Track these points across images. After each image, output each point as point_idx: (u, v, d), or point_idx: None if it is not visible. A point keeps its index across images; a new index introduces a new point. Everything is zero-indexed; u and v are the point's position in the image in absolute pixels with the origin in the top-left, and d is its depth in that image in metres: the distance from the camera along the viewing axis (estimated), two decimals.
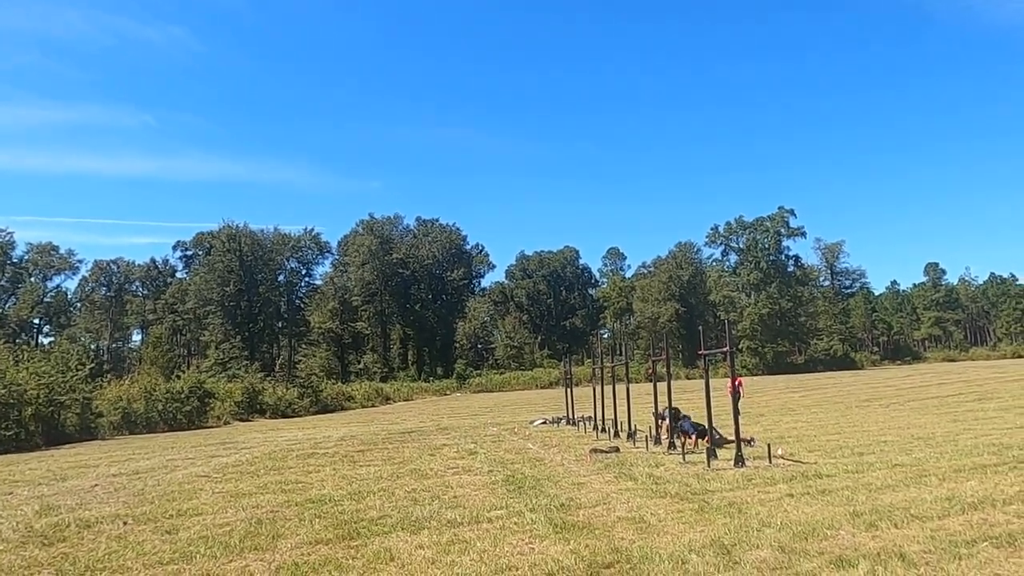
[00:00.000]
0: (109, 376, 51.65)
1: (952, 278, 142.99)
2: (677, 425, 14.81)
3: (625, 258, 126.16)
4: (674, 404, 15.15)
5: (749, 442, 13.46)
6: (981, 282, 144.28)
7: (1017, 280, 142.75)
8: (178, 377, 43.67)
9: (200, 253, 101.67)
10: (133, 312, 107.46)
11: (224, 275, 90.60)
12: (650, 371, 18.61)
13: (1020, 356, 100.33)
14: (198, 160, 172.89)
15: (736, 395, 13.94)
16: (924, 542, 6.13)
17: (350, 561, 6.38)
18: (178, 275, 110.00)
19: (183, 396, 38.72)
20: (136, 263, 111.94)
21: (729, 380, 13.66)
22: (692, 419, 15.17)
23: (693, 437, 14.42)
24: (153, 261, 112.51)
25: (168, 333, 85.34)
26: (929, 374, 56.42)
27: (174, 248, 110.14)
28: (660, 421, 15.69)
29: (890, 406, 26.70)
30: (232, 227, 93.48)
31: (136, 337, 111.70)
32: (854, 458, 11.89)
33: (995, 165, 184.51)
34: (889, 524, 6.81)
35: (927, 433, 16.07)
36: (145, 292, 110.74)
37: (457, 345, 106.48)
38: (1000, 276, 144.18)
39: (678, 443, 14.00)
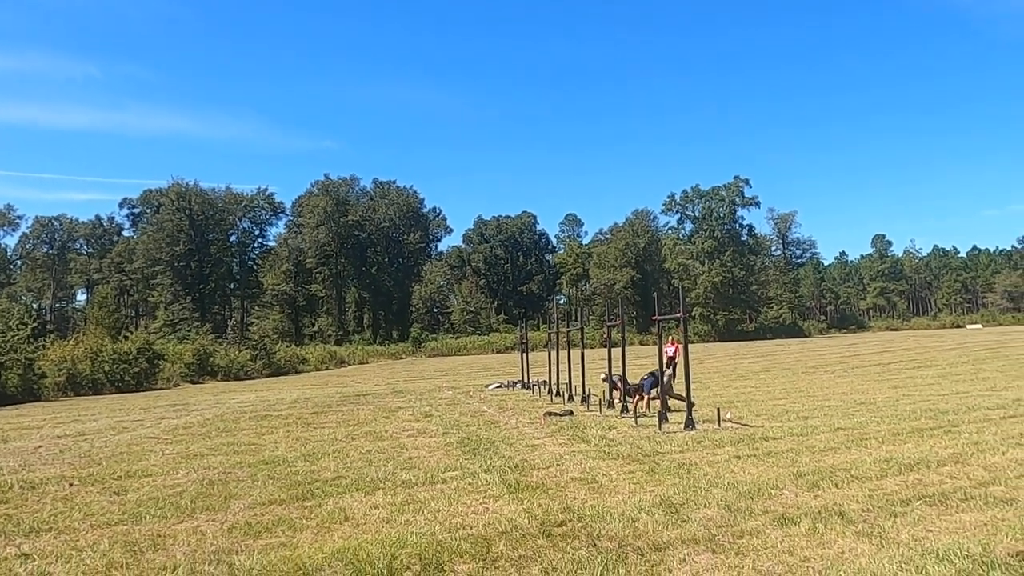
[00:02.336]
0: (52, 336, 50.19)
1: (898, 250, 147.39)
2: (637, 385, 14.96)
3: (582, 224, 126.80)
4: (628, 368, 15.38)
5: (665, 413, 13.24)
6: (925, 254, 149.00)
7: (959, 253, 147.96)
8: (126, 338, 42.70)
9: (148, 211, 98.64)
10: (77, 271, 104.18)
11: (173, 234, 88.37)
12: (605, 337, 18.83)
13: (958, 326, 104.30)
14: (145, 114, 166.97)
15: (673, 361, 14.26)
16: (863, 501, 6.38)
17: (304, 521, 6.37)
18: (125, 234, 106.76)
19: (131, 357, 37.93)
20: (80, 220, 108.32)
21: (671, 343, 13.93)
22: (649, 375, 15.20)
23: (651, 394, 14.57)
24: (98, 219, 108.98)
25: (115, 293, 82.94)
26: (873, 342, 58.33)
27: (120, 205, 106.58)
28: (612, 389, 15.90)
29: (835, 373, 27.56)
30: (182, 185, 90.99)
31: (81, 297, 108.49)
32: (799, 422, 12.27)
33: (943, 139, 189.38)
34: (830, 484, 7.07)
35: (869, 398, 16.65)
36: (90, 250, 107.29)
37: (413, 309, 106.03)
38: (943, 249, 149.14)
39: (631, 405, 14.24)
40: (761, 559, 4.91)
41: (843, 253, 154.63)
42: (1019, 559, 4.63)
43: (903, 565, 4.62)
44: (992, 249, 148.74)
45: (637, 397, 14.84)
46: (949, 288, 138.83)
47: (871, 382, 22.15)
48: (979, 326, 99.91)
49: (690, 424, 11.54)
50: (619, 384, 15.49)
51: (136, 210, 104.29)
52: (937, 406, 14.13)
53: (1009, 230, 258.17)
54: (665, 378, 14.41)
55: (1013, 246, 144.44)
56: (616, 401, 15.32)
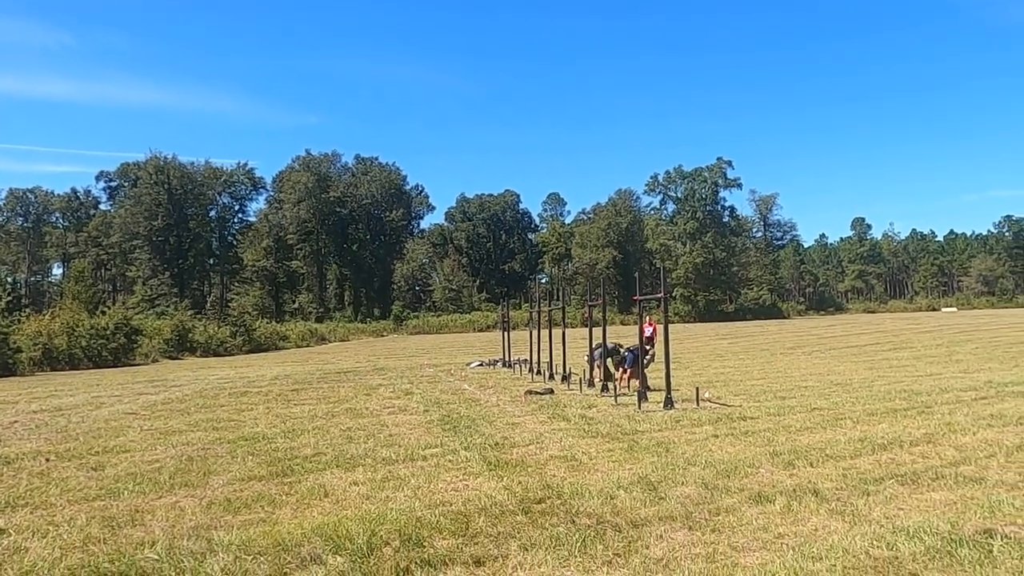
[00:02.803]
0: (28, 310, 49.48)
1: (877, 233, 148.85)
2: (618, 357, 15.11)
3: (565, 204, 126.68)
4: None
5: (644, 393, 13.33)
6: (903, 237, 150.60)
7: (936, 237, 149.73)
8: (103, 313, 42.21)
9: (126, 185, 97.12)
10: (53, 244, 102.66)
11: (152, 208, 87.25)
12: (586, 316, 18.89)
13: (934, 309, 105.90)
14: (122, 85, 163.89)
15: (650, 342, 14.40)
16: (836, 480, 6.48)
17: (284, 497, 6.37)
18: (102, 207, 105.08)
19: (108, 332, 37.51)
20: (55, 193, 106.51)
21: (648, 323, 14.04)
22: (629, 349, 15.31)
23: (629, 371, 14.69)
24: (74, 192, 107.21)
25: (92, 267, 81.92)
26: (850, 324, 59.08)
27: (97, 178, 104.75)
28: (593, 363, 15.99)
29: (812, 354, 27.90)
30: (160, 158, 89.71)
31: (57, 271, 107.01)
32: (776, 402, 12.43)
33: (924, 123, 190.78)
34: (805, 463, 7.18)
35: (845, 379, 16.90)
36: (66, 224, 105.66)
37: (395, 287, 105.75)
38: (921, 232, 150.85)
39: (611, 385, 14.34)
40: (736, 536, 4.99)
41: (823, 235, 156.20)
42: (986, 536, 4.74)
43: (874, 542, 4.72)
44: (969, 233, 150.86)
45: (621, 370, 14.97)
46: (926, 271, 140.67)
47: (848, 363, 22.46)
48: (954, 309, 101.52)
49: (669, 403, 11.65)
50: (600, 359, 15.60)
51: (113, 183, 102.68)
52: (911, 387, 14.36)
53: (987, 215, 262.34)
54: (645, 359, 14.54)
55: (989, 231, 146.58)
56: (596, 380, 15.41)
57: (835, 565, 4.31)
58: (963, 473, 6.62)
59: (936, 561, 4.36)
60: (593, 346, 16.06)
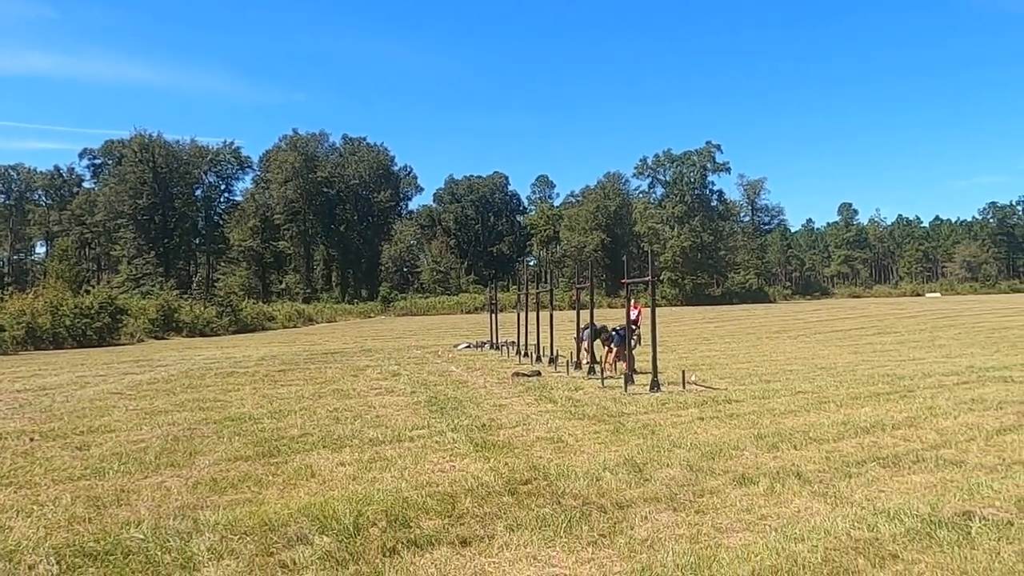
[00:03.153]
0: (11, 288, 48.96)
1: (864, 218, 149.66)
2: (605, 335, 15.16)
3: (554, 186, 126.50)
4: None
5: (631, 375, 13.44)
6: (889, 223, 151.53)
7: (922, 223, 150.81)
8: (87, 292, 41.80)
9: (110, 163, 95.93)
10: (36, 222, 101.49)
11: (136, 187, 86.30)
12: (574, 299, 18.94)
13: (918, 294, 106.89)
14: (106, 61, 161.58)
15: (635, 324, 14.48)
16: (819, 462, 6.56)
17: (270, 477, 6.37)
18: (86, 185, 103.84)
19: (93, 312, 37.16)
20: (38, 170, 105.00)
21: (634, 306, 14.10)
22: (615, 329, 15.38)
23: (615, 350, 14.76)
24: (57, 169, 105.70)
25: (75, 246, 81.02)
26: (835, 309, 59.52)
27: (81, 156, 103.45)
28: (580, 343, 16.04)
29: (798, 338, 28.11)
30: (144, 136, 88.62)
31: (40, 249, 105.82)
32: (761, 385, 12.53)
33: (914, 109, 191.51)
34: (789, 446, 7.26)
35: (829, 363, 17.04)
36: (49, 202, 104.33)
37: (382, 268, 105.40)
38: (907, 218, 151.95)
39: (598, 368, 14.39)
40: (720, 517, 5.04)
41: (810, 220, 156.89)
42: (965, 518, 4.82)
43: (856, 524, 4.78)
44: (954, 220, 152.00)
45: (606, 349, 15.05)
46: (911, 257, 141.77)
47: (832, 348, 22.65)
48: (938, 295, 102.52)
49: (655, 386, 11.71)
50: (584, 337, 15.64)
51: (97, 161, 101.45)
52: (894, 372, 14.51)
53: (972, 201, 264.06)
54: (632, 340, 14.60)
55: (974, 217, 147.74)
56: (584, 363, 15.47)
57: (816, 546, 4.36)
58: (943, 456, 6.72)
59: (916, 542, 4.43)
60: (581, 327, 16.11)
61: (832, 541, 4.47)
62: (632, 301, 14.58)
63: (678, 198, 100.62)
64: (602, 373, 13.81)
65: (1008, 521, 4.79)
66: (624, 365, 13.61)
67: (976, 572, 3.94)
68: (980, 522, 4.75)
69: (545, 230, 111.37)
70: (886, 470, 6.26)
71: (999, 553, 4.22)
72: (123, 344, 36.24)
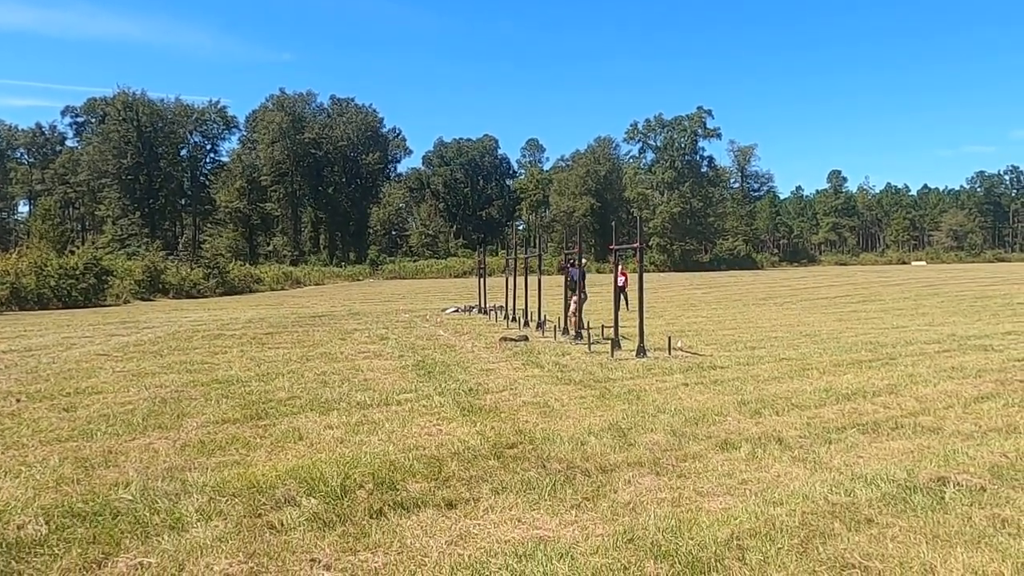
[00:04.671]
0: None
1: (853, 186, 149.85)
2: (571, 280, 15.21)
3: (544, 150, 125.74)
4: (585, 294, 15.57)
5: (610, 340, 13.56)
6: (878, 191, 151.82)
7: (910, 191, 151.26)
8: (72, 252, 41.41)
9: (93, 121, 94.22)
10: (18, 181, 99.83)
11: (120, 146, 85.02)
12: (562, 264, 18.95)
13: (904, 263, 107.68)
14: (88, 15, 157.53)
15: (623, 289, 14.57)
16: (800, 428, 6.67)
17: (258, 440, 6.42)
18: (68, 143, 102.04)
19: (78, 273, 36.86)
20: (20, 128, 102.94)
21: (621, 272, 14.19)
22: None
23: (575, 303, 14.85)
24: (39, 127, 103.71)
25: (59, 206, 80.00)
26: (822, 276, 59.90)
27: (63, 114, 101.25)
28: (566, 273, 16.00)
29: (784, 305, 28.34)
30: (128, 94, 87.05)
31: (23, 208, 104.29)
32: (746, 352, 12.66)
33: (904, 76, 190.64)
34: (771, 412, 7.36)
35: (814, 330, 17.21)
36: (31, 160, 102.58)
37: (371, 231, 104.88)
38: (895, 186, 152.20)
39: (584, 333, 14.46)
40: (702, 481, 5.14)
41: (799, 187, 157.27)
42: (939, 484, 4.94)
43: (833, 488, 4.89)
44: (942, 188, 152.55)
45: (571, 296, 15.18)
46: (898, 225, 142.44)
47: (817, 315, 22.86)
48: (923, 263, 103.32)
49: (642, 352, 11.81)
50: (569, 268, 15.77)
51: (80, 119, 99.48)
52: (877, 339, 14.68)
53: (960, 170, 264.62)
54: (582, 300, 14.79)
55: (962, 186, 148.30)
56: (571, 323, 15.53)
57: (795, 510, 4.46)
58: (922, 423, 6.84)
59: (891, 507, 4.54)
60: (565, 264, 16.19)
61: (810, 505, 4.57)
62: (621, 267, 14.63)
63: (668, 163, 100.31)
64: (589, 339, 13.81)
65: (981, 487, 4.90)
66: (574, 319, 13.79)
67: (948, 536, 4.05)
68: (954, 488, 4.87)
69: (535, 194, 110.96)
70: (865, 436, 6.38)
71: (971, 518, 4.33)
72: (109, 305, 36.05)
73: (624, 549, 3.91)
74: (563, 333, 15.41)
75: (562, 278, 17.60)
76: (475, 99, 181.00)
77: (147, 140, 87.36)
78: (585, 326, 14.06)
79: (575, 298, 15.28)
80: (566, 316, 15.62)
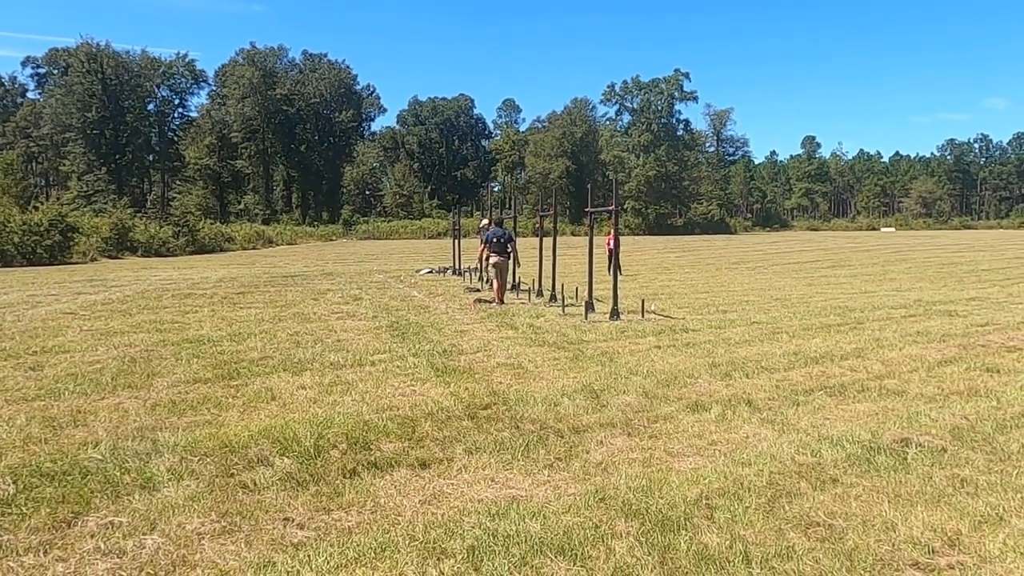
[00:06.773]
0: None
1: (826, 152, 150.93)
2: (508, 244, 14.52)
3: (520, 111, 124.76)
4: (557, 259, 15.52)
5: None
6: (850, 157, 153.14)
7: (882, 158, 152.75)
8: (35, 208, 40.41)
9: (55, 72, 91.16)
10: None
11: (85, 99, 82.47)
12: (537, 226, 18.89)
13: (874, 229, 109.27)
14: None
15: (613, 252, 14.54)
16: (769, 390, 6.79)
17: (230, 400, 6.37)
18: (30, 95, 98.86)
19: (42, 229, 36.03)
20: None
21: (610, 236, 14.16)
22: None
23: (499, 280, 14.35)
24: None
25: (21, 160, 77.67)
26: (793, 241, 60.59)
27: (23, 64, 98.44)
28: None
29: (756, 269, 28.65)
30: (92, 45, 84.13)
31: None
32: (718, 315, 12.81)
33: (878, 41, 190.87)
34: (742, 375, 7.48)
35: (784, 295, 17.46)
36: None
37: (344, 190, 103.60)
38: (868, 153, 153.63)
39: (558, 295, 14.48)
40: (672, 442, 5.22)
41: (773, 152, 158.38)
42: (902, 445, 5.07)
43: (800, 449, 5.00)
44: (913, 156, 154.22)
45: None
46: (869, 192, 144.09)
47: (788, 279, 23.17)
48: (892, 229, 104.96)
49: (615, 314, 11.89)
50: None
51: (42, 70, 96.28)
52: (846, 304, 14.93)
53: (933, 137, 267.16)
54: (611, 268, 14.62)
55: (932, 153, 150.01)
56: (546, 290, 15.56)
57: (762, 470, 4.56)
58: (887, 386, 7.00)
59: (855, 467, 4.66)
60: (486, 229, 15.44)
61: (777, 465, 4.67)
62: (609, 232, 14.56)
63: (645, 126, 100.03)
64: (563, 301, 13.83)
65: (942, 448, 5.05)
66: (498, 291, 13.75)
67: (909, 495, 4.17)
68: (916, 449, 5.00)
69: (510, 156, 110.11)
70: (832, 399, 6.51)
71: (931, 478, 4.46)
72: (75, 263, 35.35)
73: (596, 508, 3.98)
74: (537, 295, 15.44)
75: (536, 240, 17.54)
76: (451, 55, 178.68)
77: (112, 93, 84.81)
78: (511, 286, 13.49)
79: (494, 259, 14.28)
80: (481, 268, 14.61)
